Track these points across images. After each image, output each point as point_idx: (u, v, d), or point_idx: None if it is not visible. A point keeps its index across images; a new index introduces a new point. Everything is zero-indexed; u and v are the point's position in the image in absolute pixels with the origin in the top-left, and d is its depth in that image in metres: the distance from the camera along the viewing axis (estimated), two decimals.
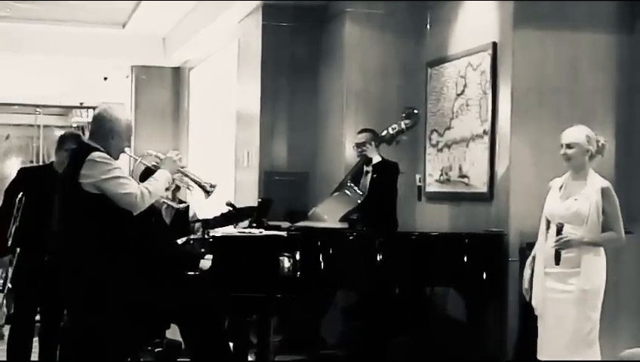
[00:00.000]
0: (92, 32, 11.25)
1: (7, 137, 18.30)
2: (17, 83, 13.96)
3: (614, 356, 5.33)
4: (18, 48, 11.40)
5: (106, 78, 13.35)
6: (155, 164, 4.94)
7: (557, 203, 5.11)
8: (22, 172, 6.15)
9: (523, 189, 6.28)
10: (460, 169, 7.07)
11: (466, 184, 6.98)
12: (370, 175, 6.57)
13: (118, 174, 4.59)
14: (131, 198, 4.57)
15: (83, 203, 4.58)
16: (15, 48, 11.38)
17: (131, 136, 4.86)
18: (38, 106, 17.00)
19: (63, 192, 4.79)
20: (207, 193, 5.05)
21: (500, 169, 6.51)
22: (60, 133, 6.24)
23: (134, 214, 4.64)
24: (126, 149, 4.82)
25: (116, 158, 4.74)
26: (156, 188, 4.73)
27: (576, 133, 5.10)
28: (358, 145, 6.71)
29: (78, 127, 16.70)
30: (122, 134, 4.76)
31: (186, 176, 5.03)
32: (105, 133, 4.71)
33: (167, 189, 4.99)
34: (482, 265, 6.17)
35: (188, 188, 5.09)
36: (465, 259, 6.15)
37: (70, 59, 11.99)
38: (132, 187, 4.61)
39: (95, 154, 4.58)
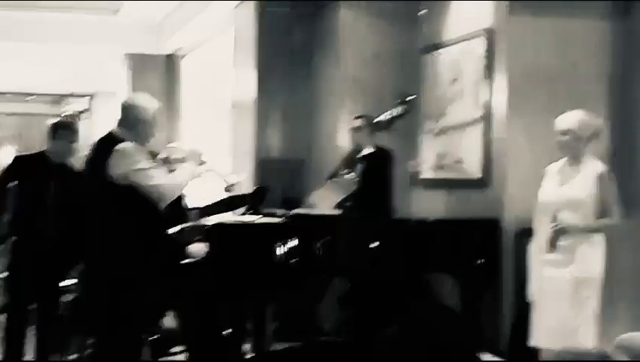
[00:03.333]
0: (84, 20, 11.19)
1: None
2: (9, 71, 13.90)
3: (610, 341, 5.33)
4: (9, 36, 11.33)
5: (98, 66, 13.29)
6: (177, 157, 4.99)
7: (552, 189, 5.10)
8: (16, 160, 6.12)
9: (518, 175, 6.28)
10: (455, 155, 7.06)
11: (461, 170, 6.97)
12: (364, 162, 6.56)
13: (146, 165, 4.62)
14: (159, 189, 4.61)
15: (111, 194, 4.60)
16: (6, 36, 11.32)
17: (156, 125, 4.88)
18: (29, 95, 16.95)
19: (87, 183, 4.81)
20: (229, 189, 5.12)
21: (496, 155, 6.51)
22: (52, 121, 6.21)
23: (162, 205, 4.69)
24: (151, 140, 4.85)
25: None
26: (183, 179, 4.80)
27: (569, 119, 5.08)
28: (354, 130, 6.70)
29: (70, 115, 16.68)
30: (149, 123, 4.80)
31: (209, 171, 5.06)
32: (132, 122, 4.75)
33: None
34: (477, 252, 6.17)
35: (209, 184, 5.13)
36: (460, 245, 6.15)
37: (62, 46, 11.93)
38: (160, 178, 4.65)
39: (123, 145, 4.60)
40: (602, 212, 4.98)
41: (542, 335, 5.09)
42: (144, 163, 4.62)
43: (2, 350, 5.95)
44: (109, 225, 4.64)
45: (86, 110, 16.98)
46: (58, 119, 6.32)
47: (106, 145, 4.67)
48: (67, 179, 5.83)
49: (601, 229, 5.02)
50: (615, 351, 5.15)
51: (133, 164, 4.57)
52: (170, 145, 5.13)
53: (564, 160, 5.14)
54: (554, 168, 5.18)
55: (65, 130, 5.98)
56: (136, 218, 4.63)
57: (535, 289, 5.15)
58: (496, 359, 6.10)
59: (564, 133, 5.05)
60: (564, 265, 4.97)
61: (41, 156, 6.06)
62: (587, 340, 4.94)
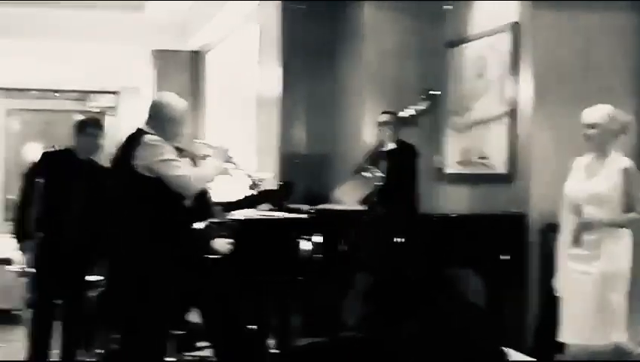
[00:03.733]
0: (110, 17, 11.24)
1: (26, 122, 18.38)
2: (35, 68, 13.99)
3: (637, 337, 5.30)
4: (36, 33, 11.41)
5: (124, 63, 13.34)
6: (204, 154, 5.08)
7: (578, 183, 5.07)
8: (44, 156, 6.16)
9: (544, 170, 6.25)
10: (481, 150, 7.04)
11: (486, 165, 6.95)
12: (388, 157, 6.55)
13: (172, 157, 4.69)
14: (185, 180, 4.67)
15: (137, 185, 4.67)
16: (33, 33, 11.39)
17: (184, 124, 4.95)
18: (56, 91, 17.04)
19: (114, 176, 4.89)
20: (255, 186, 5.15)
21: (521, 150, 6.48)
22: (78, 117, 6.26)
23: (186, 197, 4.78)
24: (179, 138, 4.92)
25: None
26: (209, 173, 4.88)
27: (598, 113, 5.05)
28: (381, 124, 6.70)
29: (97, 111, 16.77)
30: (177, 121, 4.86)
31: (236, 168, 5.10)
32: (161, 119, 4.81)
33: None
34: (503, 247, 6.15)
35: (235, 180, 5.17)
36: (485, 240, 6.13)
37: (88, 43, 11.99)
38: (185, 170, 4.72)
39: (149, 137, 4.68)
40: (628, 207, 4.95)
41: (568, 330, 5.06)
42: (170, 154, 4.68)
43: (29, 345, 5.98)
44: (134, 219, 4.67)
45: (111, 107, 17.06)
46: (85, 116, 6.35)
47: (134, 139, 4.73)
48: (93, 176, 5.87)
49: (626, 224, 4.98)
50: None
51: (159, 155, 4.62)
52: (198, 141, 5.18)
53: (591, 154, 5.10)
54: (581, 162, 5.14)
55: (91, 126, 6.02)
56: (162, 212, 4.66)
57: (561, 284, 5.13)
58: (520, 355, 6.07)
59: (592, 126, 5.02)
60: (589, 260, 4.95)
61: (67, 152, 6.10)
62: (613, 335, 4.91)
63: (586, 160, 5.11)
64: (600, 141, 5.01)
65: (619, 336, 4.91)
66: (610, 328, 4.90)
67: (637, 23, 6.47)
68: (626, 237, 4.98)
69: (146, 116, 4.90)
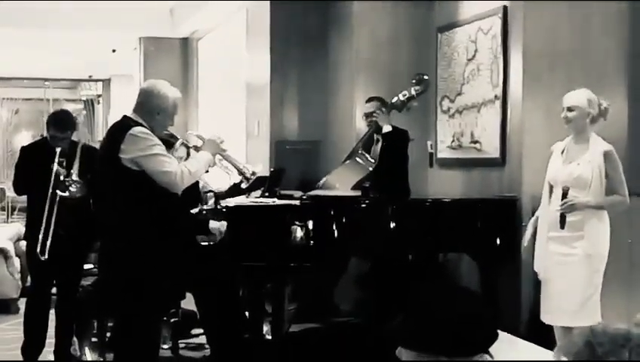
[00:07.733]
0: (99, 4, 11.20)
1: (17, 111, 18.34)
2: (26, 57, 13.95)
3: (628, 318, 5.32)
4: (26, 22, 11.36)
5: (114, 51, 13.32)
6: (196, 145, 4.93)
7: (560, 167, 5.11)
8: (22, 150, 6.14)
9: (535, 154, 6.25)
10: (472, 134, 7.05)
11: (478, 149, 6.96)
12: (380, 143, 6.55)
13: (159, 151, 4.53)
14: (170, 177, 4.51)
15: (121, 178, 4.54)
16: (23, 23, 11.34)
17: (176, 114, 4.80)
18: (47, 80, 17.00)
19: (101, 167, 4.75)
20: (247, 179, 5.05)
21: (512, 134, 6.49)
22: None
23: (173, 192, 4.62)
24: (169, 128, 4.79)
25: (159, 135, 4.67)
26: (197, 168, 4.69)
27: (577, 96, 5.10)
28: (367, 115, 6.69)
29: (87, 100, 16.76)
30: (168, 111, 4.70)
31: (227, 160, 4.99)
32: (151, 108, 4.65)
33: (206, 172, 4.97)
34: (495, 231, 6.16)
35: (227, 173, 5.07)
36: (478, 224, 6.14)
37: (78, 32, 11.95)
38: (172, 165, 4.54)
39: (136, 129, 4.52)
40: (609, 189, 5.00)
41: (551, 311, 5.10)
42: (157, 148, 4.54)
43: (23, 332, 5.99)
44: (123, 210, 4.60)
45: (99, 95, 17.05)
46: (53, 112, 6.29)
47: (120, 129, 4.61)
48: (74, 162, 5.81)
49: (609, 206, 5.05)
50: (635, 327, 5.14)
51: (145, 149, 4.49)
52: (190, 132, 5.09)
53: (569, 138, 5.16)
54: (559, 146, 5.20)
55: (53, 127, 5.86)
56: (152, 201, 4.59)
57: (542, 266, 5.16)
58: (514, 338, 6.10)
59: (572, 109, 5.07)
60: (572, 242, 5.00)
61: (42, 143, 6.05)
62: (594, 317, 4.94)
63: (565, 144, 5.16)
64: (579, 124, 5.06)
65: (595, 318, 4.94)
66: (589, 309, 4.94)
67: (629, 6, 6.46)
68: (605, 220, 5.04)
69: (135, 103, 4.74)
